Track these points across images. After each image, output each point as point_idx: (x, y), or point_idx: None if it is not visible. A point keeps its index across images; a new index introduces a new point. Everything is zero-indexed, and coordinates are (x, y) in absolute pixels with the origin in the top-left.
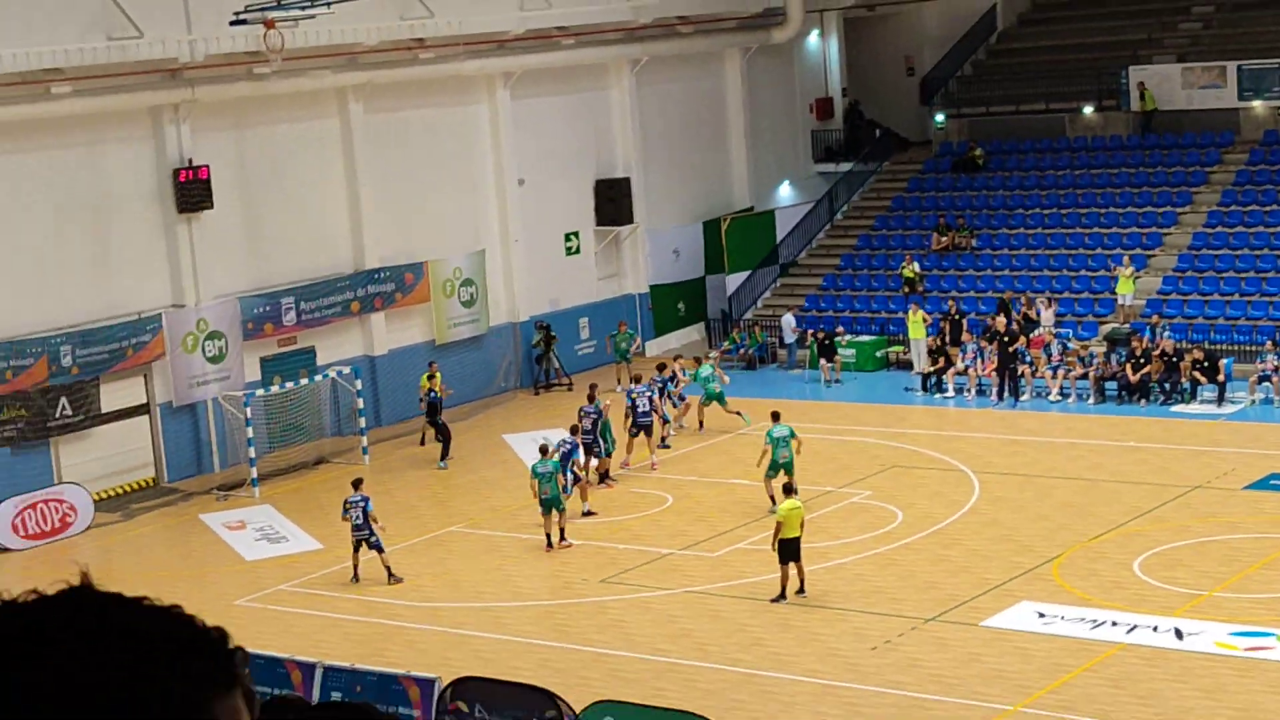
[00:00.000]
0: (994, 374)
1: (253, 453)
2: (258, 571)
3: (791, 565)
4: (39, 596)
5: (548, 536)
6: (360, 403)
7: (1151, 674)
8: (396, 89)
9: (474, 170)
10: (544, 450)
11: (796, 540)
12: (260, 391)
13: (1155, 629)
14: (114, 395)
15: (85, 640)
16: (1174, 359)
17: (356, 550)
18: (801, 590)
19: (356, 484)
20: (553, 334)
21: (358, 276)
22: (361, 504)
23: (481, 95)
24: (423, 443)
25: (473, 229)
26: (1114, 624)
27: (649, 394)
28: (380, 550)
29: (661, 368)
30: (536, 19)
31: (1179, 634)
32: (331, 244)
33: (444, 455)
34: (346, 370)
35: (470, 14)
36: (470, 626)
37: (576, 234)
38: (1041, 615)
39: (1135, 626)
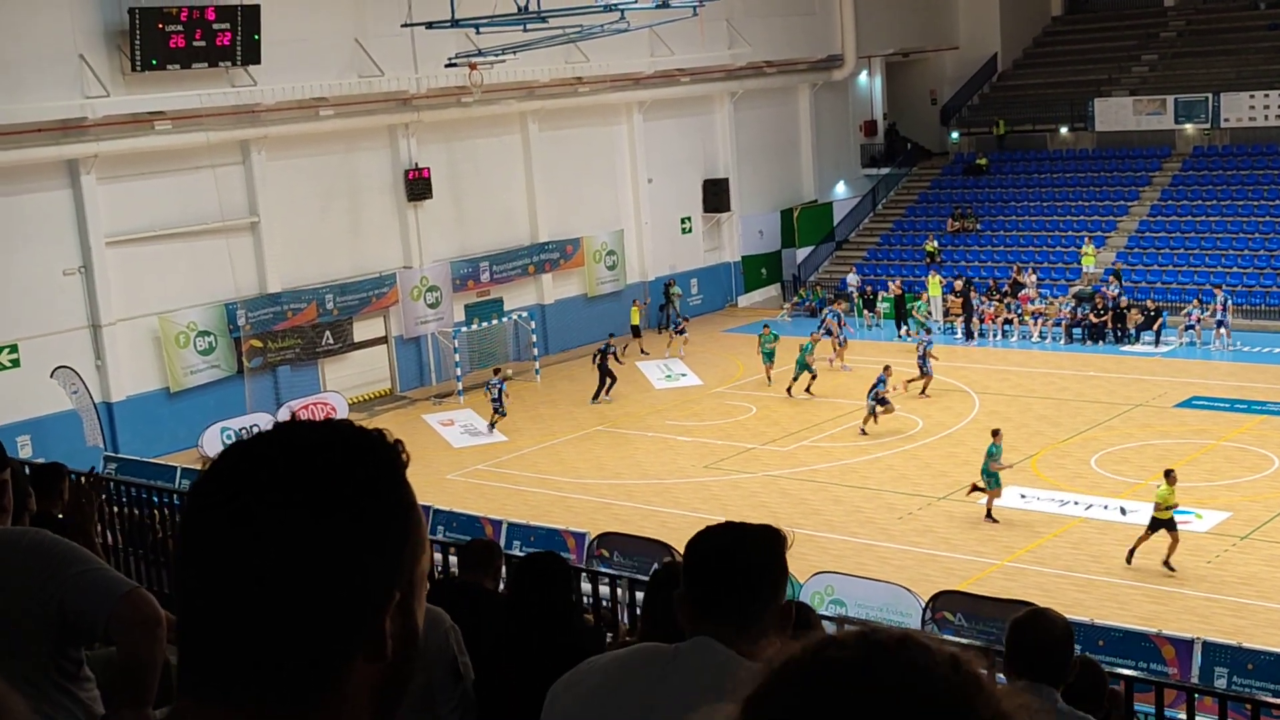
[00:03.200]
0: (994, 321)
1: (459, 372)
2: (462, 456)
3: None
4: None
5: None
6: (534, 338)
7: (1102, 539)
8: (562, 114)
9: (616, 172)
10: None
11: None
12: (464, 328)
13: (1106, 507)
14: (363, 330)
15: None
16: (1124, 310)
17: (495, 411)
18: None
19: (496, 370)
20: (678, 291)
21: (533, 247)
22: (499, 386)
23: (622, 118)
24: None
25: (615, 214)
26: (1075, 503)
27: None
28: (498, 412)
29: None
30: (662, 63)
31: (1123, 511)
32: (514, 224)
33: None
34: (525, 314)
35: (614, 59)
36: (610, 497)
37: (689, 218)
38: (1023, 496)
39: (1091, 505)
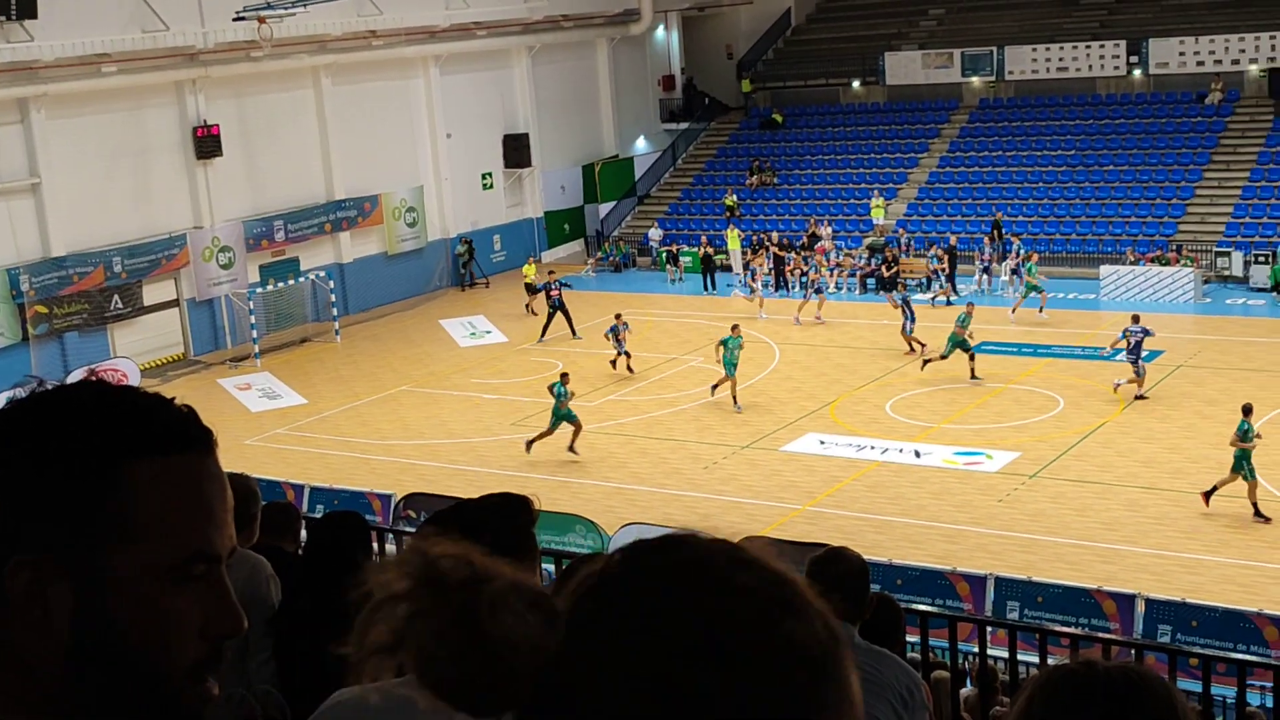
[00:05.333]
0: (792, 274)
1: (255, 334)
2: (260, 420)
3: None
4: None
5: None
6: (333, 298)
7: (898, 482)
8: (356, 67)
9: (414, 127)
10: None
11: None
12: (260, 289)
13: (901, 451)
14: (153, 293)
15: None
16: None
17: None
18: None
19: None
20: (473, 247)
21: (329, 205)
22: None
23: (419, 72)
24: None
25: (414, 170)
26: (872, 448)
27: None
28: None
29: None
30: (458, 16)
31: (917, 454)
32: (309, 181)
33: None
34: (322, 274)
35: (409, 11)
36: (415, 457)
37: (490, 174)
38: (822, 442)
39: (887, 449)
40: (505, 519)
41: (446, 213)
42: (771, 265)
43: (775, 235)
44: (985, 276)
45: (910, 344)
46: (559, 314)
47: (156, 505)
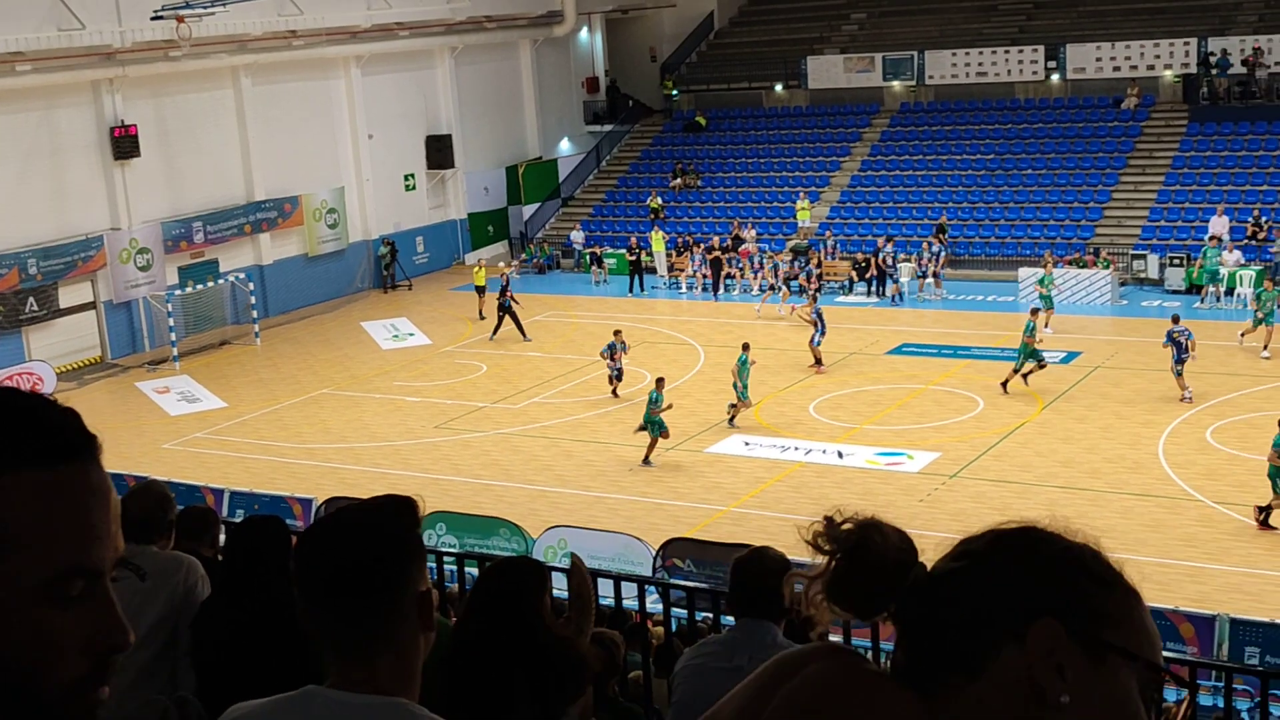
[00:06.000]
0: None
1: (174, 337)
2: (179, 424)
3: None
4: None
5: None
6: (253, 300)
7: (821, 483)
8: (276, 67)
9: (335, 128)
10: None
11: None
12: (178, 291)
13: (824, 451)
14: (69, 295)
15: None
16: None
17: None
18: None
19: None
20: (395, 248)
21: (249, 206)
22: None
23: (340, 72)
24: (482, 317)
25: (335, 170)
26: (796, 449)
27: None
28: (618, 373)
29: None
30: (380, 16)
31: (840, 455)
32: (229, 182)
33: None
34: (242, 276)
35: (330, 11)
36: (337, 461)
37: (413, 175)
38: (746, 444)
39: (810, 450)
40: (385, 521)
41: (368, 214)
42: (709, 269)
43: (717, 240)
44: (928, 280)
45: (817, 357)
46: (508, 315)
47: (29, 520)
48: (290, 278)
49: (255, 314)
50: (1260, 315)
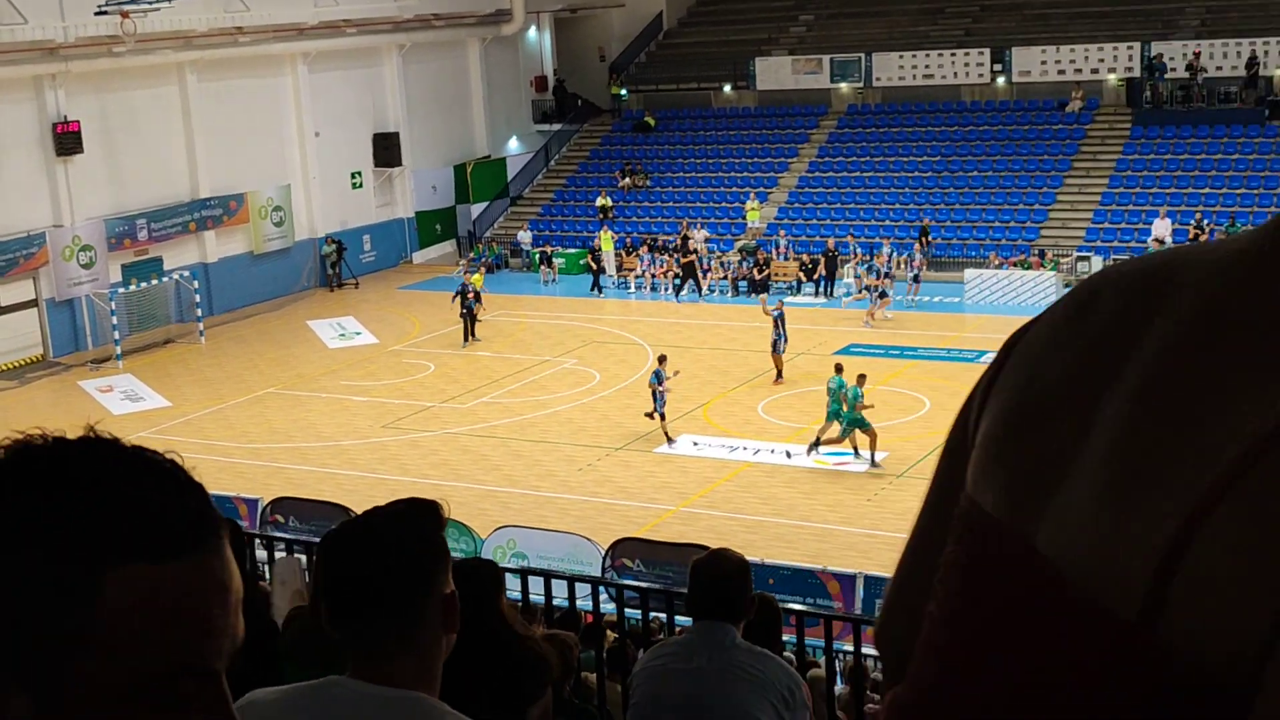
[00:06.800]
0: (665, 276)
1: (117, 335)
2: (122, 423)
3: None
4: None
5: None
6: (198, 298)
7: (770, 482)
8: (222, 64)
9: (281, 125)
10: (839, 368)
11: None
12: (122, 289)
13: (772, 451)
14: (10, 293)
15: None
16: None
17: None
18: None
19: (661, 359)
20: (343, 246)
21: (194, 204)
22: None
23: (287, 70)
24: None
25: (281, 168)
26: (744, 448)
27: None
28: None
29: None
30: (327, 13)
31: (788, 455)
32: (174, 179)
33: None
34: (187, 274)
35: (276, 8)
36: (283, 461)
37: (360, 173)
38: (696, 444)
39: (759, 450)
40: (411, 526)
41: (314, 212)
42: (682, 271)
43: (692, 242)
44: (915, 285)
45: (779, 368)
46: (470, 317)
47: (133, 619)
48: (235, 276)
49: (200, 312)
50: None
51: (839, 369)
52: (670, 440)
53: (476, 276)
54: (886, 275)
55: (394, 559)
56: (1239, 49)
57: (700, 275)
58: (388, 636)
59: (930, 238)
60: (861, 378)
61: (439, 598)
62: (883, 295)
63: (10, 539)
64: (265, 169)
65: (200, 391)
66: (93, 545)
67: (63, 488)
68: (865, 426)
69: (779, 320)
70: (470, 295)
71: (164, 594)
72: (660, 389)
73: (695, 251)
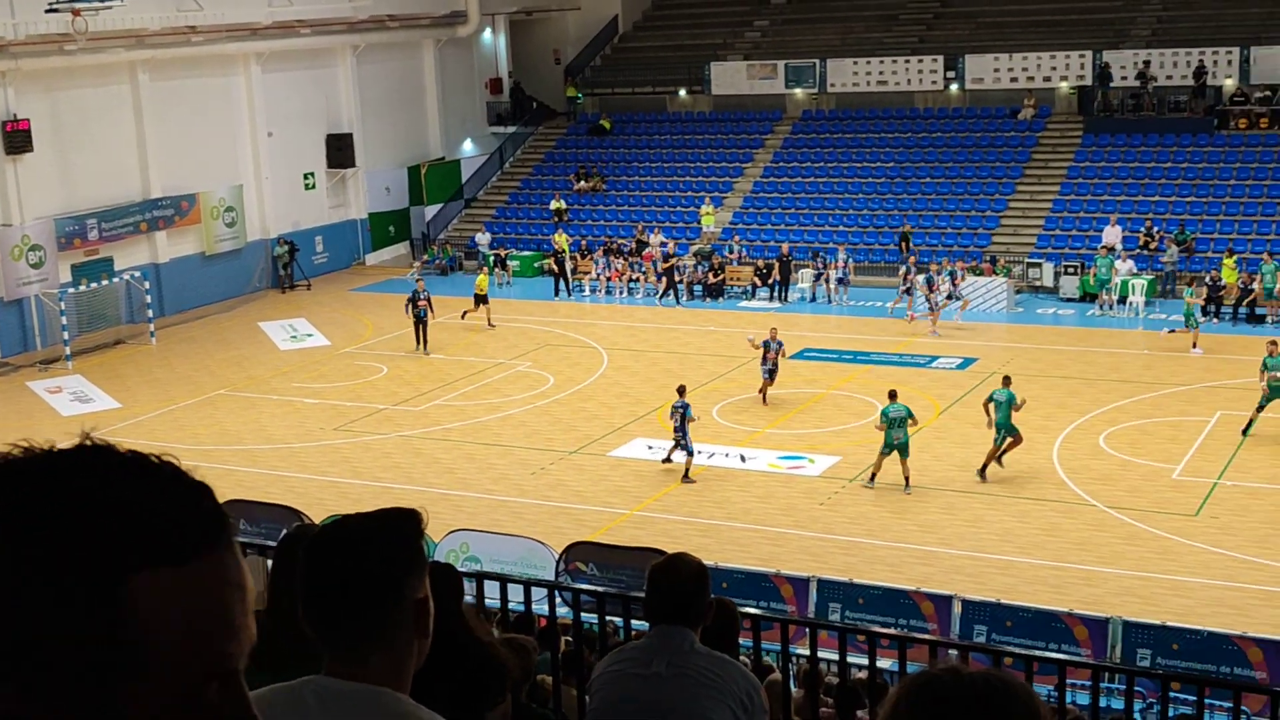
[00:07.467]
0: (620, 279)
1: (66, 336)
2: (71, 425)
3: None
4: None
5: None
6: (148, 298)
7: (724, 486)
8: (174, 63)
9: (234, 125)
10: (893, 395)
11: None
12: (71, 289)
13: (727, 455)
14: None
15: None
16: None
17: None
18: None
19: (680, 390)
20: (295, 247)
21: (145, 204)
22: (682, 410)
23: (239, 70)
24: (464, 317)
25: (234, 168)
26: (699, 452)
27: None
28: (689, 453)
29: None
30: (281, 13)
31: (743, 458)
32: (125, 179)
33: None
34: (137, 274)
35: (229, 8)
36: (234, 463)
37: (313, 173)
38: (650, 447)
39: (714, 454)
40: (392, 531)
41: (267, 213)
42: (665, 278)
43: (672, 246)
44: (909, 296)
45: (764, 395)
46: (421, 324)
47: (166, 627)
48: (187, 276)
49: (151, 313)
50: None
51: (1007, 381)
52: (689, 480)
53: (482, 278)
54: (951, 296)
55: (374, 563)
56: (1188, 58)
57: (638, 276)
58: (365, 638)
59: (911, 243)
60: (1006, 379)
61: (413, 602)
62: (953, 298)
63: (28, 554)
64: (217, 169)
65: (151, 393)
66: (113, 553)
67: (74, 499)
68: (906, 453)
69: (772, 351)
70: (422, 302)
71: (188, 595)
72: (684, 423)
73: (672, 257)
